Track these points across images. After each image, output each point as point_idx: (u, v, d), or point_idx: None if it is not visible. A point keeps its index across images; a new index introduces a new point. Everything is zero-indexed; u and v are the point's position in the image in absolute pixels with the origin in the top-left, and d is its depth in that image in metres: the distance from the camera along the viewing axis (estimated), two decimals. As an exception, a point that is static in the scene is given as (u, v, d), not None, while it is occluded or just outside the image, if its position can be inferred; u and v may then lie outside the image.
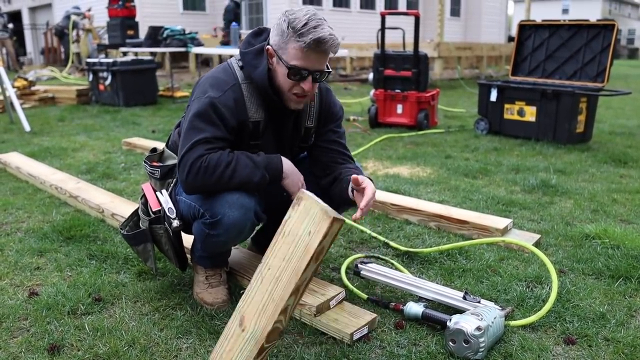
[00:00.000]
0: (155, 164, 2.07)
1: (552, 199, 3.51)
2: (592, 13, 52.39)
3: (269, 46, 1.83)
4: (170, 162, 2.04)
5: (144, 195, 2.09)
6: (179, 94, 8.77)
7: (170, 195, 2.00)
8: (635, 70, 22.68)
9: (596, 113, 5.46)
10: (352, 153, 4.60)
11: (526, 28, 6.00)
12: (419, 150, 4.85)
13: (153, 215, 2.00)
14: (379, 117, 5.97)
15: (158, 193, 2.01)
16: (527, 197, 3.51)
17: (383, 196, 3.20)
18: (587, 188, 3.74)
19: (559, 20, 5.81)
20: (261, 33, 1.96)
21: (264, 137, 1.96)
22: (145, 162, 2.09)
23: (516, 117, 5.40)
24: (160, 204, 1.98)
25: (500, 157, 4.62)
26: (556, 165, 4.34)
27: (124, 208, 2.93)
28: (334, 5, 15.98)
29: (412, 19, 5.77)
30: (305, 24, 1.72)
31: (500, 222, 2.79)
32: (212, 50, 7.62)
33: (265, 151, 1.93)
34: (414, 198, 3.26)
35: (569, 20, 5.73)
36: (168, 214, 1.94)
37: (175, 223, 1.93)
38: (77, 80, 11.25)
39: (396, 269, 2.37)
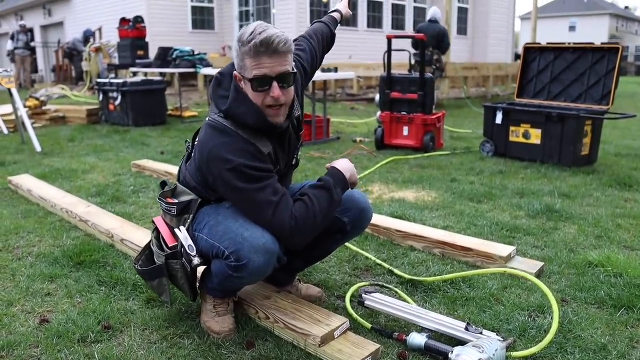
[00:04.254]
0: (170, 200, 2.08)
1: (556, 224, 3.53)
2: (600, 30, 52.50)
3: (236, 72, 1.88)
4: (184, 198, 2.06)
5: (156, 229, 2.13)
6: (187, 113, 8.88)
7: (187, 231, 2.02)
8: (643, 89, 22.65)
9: (602, 134, 5.49)
10: (359, 176, 4.67)
11: (532, 51, 6.05)
12: (424, 174, 4.89)
13: (169, 251, 2.03)
14: (385, 139, 6.03)
15: (176, 230, 2.03)
16: (532, 223, 3.54)
17: (388, 222, 3.24)
18: (592, 213, 3.76)
19: (564, 43, 5.86)
20: (221, 83, 1.98)
21: (280, 162, 2.04)
22: (160, 199, 2.11)
23: (522, 139, 5.44)
24: (179, 240, 2.00)
25: (505, 181, 4.65)
26: (561, 189, 4.36)
27: (133, 234, 2.99)
28: (340, 25, 16.13)
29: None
30: (252, 32, 1.78)
31: (504, 250, 2.82)
32: (221, 71, 7.75)
33: (282, 168, 2.05)
34: (419, 224, 3.30)
35: (574, 44, 5.79)
36: (188, 251, 1.96)
37: (196, 261, 1.95)
38: (87, 98, 11.40)
39: (400, 297, 2.40)
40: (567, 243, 3.17)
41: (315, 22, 2.52)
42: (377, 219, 3.23)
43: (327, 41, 2.47)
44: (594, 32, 51.84)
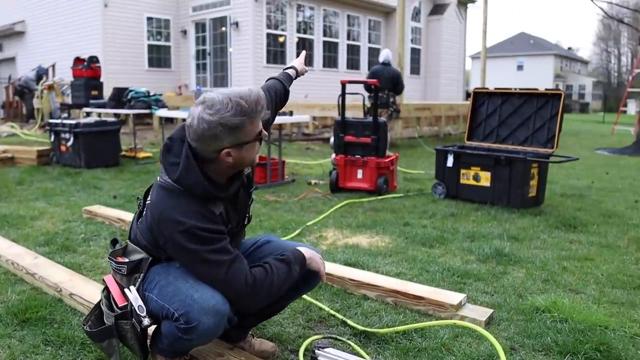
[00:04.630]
0: (120, 259, 2.05)
1: (505, 268, 3.63)
2: (546, 69, 54.85)
3: (225, 151, 1.88)
4: (135, 256, 2.04)
5: (106, 288, 2.10)
6: (142, 154, 8.78)
7: (138, 290, 1.99)
8: (586, 126, 23.70)
9: (548, 175, 5.71)
10: (313, 221, 4.71)
11: (480, 95, 6.29)
12: (378, 217, 4.96)
13: (119, 311, 2.00)
14: (339, 181, 6.10)
15: (126, 290, 2.00)
16: (482, 267, 3.62)
17: (342, 271, 3.26)
18: (539, 256, 3.88)
19: (510, 89, 6.11)
20: (170, 149, 1.97)
21: (231, 221, 2.05)
22: (110, 258, 2.09)
23: (472, 182, 5.60)
24: (128, 300, 1.98)
25: (456, 224, 4.76)
26: (510, 232, 4.49)
27: (82, 288, 2.92)
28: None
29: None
30: (250, 100, 1.86)
31: (455, 298, 2.87)
32: (176, 113, 7.72)
33: (234, 227, 2.06)
34: (372, 272, 3.34)
35: (520, 89, 6.04)
36: (138, 312, 1.94)
37: (146, 322, 1.93)
38: (38, 137, 11.14)
39: (353, 350, 2.42)
40: (516, 288, 3.26)
41: (270, 79, 2.57)
42: (331, 268, 3.26)
43: (281, 98, 2.52)
44: (540, 71, 54.17)
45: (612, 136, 17.11)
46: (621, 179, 7.62)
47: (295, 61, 2.74)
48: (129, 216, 4.53)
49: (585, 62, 69.46)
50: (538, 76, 51.41)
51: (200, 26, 16.81)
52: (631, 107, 34.13)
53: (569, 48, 71.44)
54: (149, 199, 2.04)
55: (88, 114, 9.95)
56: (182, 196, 1.90)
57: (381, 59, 9.82)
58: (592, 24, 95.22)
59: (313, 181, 6.69)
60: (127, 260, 2.04)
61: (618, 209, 5.54)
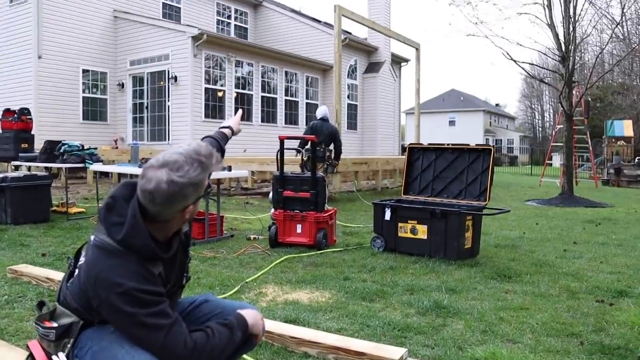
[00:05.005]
0: (48, 324, 1.92)
1: (445, 320, 3.66)
2: (476, 124, 57.49)
3: (187, 209, 1.89)
4: (64, 320, 1.91)
5: (31, 355, 1.96)
6: (74, 210, 8.46)
7: (67, 357, 1.88)
8: (516, 178, 24.77)
9: (482, 226, 5.88)
10: (252, 277, 4.64)
11: (415, 150, 6.49)
12: (318, 272, 4.94)
13: None
14: (279, 236, 6.06)
15: (54, 357, 1.88)
16: (422, 320, 3.64)
17: (282, 328, 3.20)
18: (477, 307, 3.94)
19: (443, 144, 6.34)
20: (112, 208, 1.92)
21: (170, 280, 1.98)
22: (36, 323, 1.96)
23: (409, 235, 5.69)
24: None
25: (396, 277, 4.80)
26: (448, 284, 4.56)
27: (4, 355, 2.72)
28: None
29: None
30: (203, 152, 1.88)
31: (396, 352, 2.86)
32: (112, 167, 7.54)
33: (172, 287, 1.98)
34: (312, 329, 3.29)
35: (452, 144, 6.28)
36: None
37: None
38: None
39: (294, 411, 2.35)
40: (455, 340, 3.28)
41: (206, 137, 2.56)
42: (271, 325, 3.19)
43: None
44: (471, 125, 56.74)
45: (540, 188, 17.91)
46: (550, 229, 7.94)
47: (231, 120, 2.77)
48: (58, 275, 4.31)
49: (512, 118, 73.34)
50: (469, 131, 53.83)
51: (138, 79, 16.71)
52: (556, 160, 36.05)
53: (497, 104, 75.44)
54: (81, 258, 1.95)
55: (17, 168, 9.56)
56: (121, 256, 1.82)
57: (319, 115, 10.02)
58: (517, 83, 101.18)
59: (252, 236, 6.62)
60: (55, 324, 1.92)
61: (549, 258, 5.75)
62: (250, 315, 2.11)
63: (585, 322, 3.67)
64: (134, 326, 1.80)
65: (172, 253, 1.95)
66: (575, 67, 15.29)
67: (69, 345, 1.89)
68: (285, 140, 6.32)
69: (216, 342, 1.91)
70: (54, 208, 8.36)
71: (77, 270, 1.95)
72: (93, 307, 1.86)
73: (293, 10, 23.11)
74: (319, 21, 21.47)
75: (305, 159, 8.40)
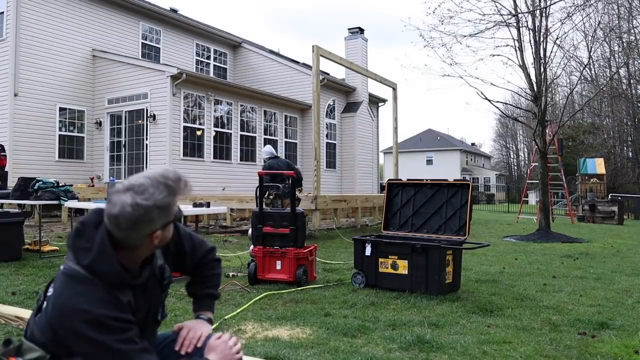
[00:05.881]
0: None
1: (428, 355, 3.60)
2: (453, 163, 58.25)
3: (155, 234, 1.83)
4: (31, 355, 1.84)
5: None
6: (47, 248, 8.25)
7: None
8: (493, 215, 25.00)
9: (462, 261, 5.86)
10: (231, 314, 4.53)
11: (394, 186, 6.50)
12: (298, 309, 4.85)
13: None
14: (258, 273, 5.97)
15: None
16: (404, 355, 3.57)
17: (262, 365, 3.11)
18: (459, 341, 3.89)
19: (422, 180, 6.37)
20: (81, 233, 1.87)
21: (140, 310, 1.92)
22: (1, 358, 1.89)
23: (390, 270, 5.64)
24: None
25: (377, 312, 4.73)
26: (430, 318, 4.51)
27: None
28: (214, 157, 16.47)
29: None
30: (172, 177, 1.84)
31: (379, 388, 2.79)
32: (88, 204, 7.41)
33: (142, 316, 1.92)
34: (293, 365, 3.20)
35: (431, 180, 6.31)
36: None
37: None
38: None
39: None
40: (439, 375, 3.22)
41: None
42: (251, 362, 3.10)
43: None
44: (448, 164, 57.49)
45: (518, 224, 18.07)
46: (529, 264, 7.96)
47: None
48: (28, 314, 4.14)
49: (488, 157, 74.49)
50: (446, 170, 54.46)
51: (116, 118, 16.63)
52: (531, 198, 36.57)
53: (473, 144, 76.65)
54: (49, 289, 1.88)
55: (-12, 206, 9.34)
56: (89, 283, 1.77)
57: (268, 154, 10.33)
58: (492, 122, 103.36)
59: (231, 273, 6.51)
60: None
61: (529, 292, 5.74)
62: (219, 353, 2.02)
63: (568, 354, 3.64)
64: (103, 354, 1.73)
65: (141, 281, 1.90)
66: (548, 106, 15.67)
67: None
68: (264, 177, 6.29)
69: None
70: (27, 246, 8.14)
71: (45, 303, 1.88)
72: (59, 339, 1.79)
73: (272, 52, 23.43)
74: (297, 62, 21.78)
75: (272, 197, 8.46)
